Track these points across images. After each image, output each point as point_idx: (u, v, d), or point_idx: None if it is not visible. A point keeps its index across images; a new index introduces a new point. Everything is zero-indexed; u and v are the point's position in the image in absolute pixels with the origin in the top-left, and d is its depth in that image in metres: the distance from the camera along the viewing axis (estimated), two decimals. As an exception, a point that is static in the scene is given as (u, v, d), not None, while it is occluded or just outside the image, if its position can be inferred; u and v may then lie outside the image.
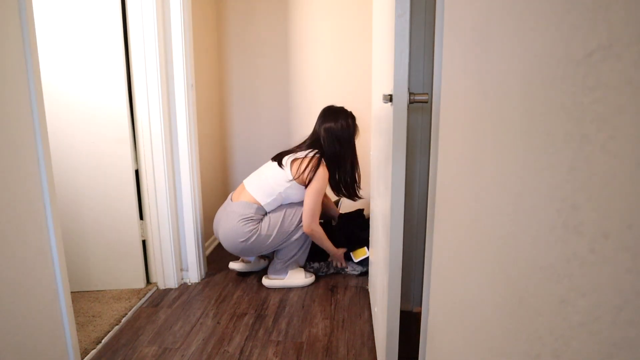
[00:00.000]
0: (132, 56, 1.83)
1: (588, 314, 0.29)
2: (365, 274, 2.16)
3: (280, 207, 1.97)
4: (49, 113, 1.64)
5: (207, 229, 2.42)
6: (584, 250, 0.30)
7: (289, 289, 2.02)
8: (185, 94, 1.93)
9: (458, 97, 0.62)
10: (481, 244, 0.51)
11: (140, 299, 1.90)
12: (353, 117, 2.03)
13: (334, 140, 1.97)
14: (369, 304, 1.88)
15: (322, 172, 1.93)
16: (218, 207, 2.70)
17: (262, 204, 1.93)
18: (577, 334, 0.31)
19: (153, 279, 2.06)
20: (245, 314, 1.80)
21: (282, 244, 1.96)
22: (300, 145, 2.05)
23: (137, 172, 1.93)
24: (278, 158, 2.01)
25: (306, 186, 1.94)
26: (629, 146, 0.25)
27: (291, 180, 1.93)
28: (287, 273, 2.04)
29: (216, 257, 2.40)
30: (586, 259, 0.30)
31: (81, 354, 1.46)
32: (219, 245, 2.61)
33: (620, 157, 0.26)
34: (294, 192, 1.95)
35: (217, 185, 2.69)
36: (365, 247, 2.14)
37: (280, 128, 2.70)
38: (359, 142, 2.60)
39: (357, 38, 2.52)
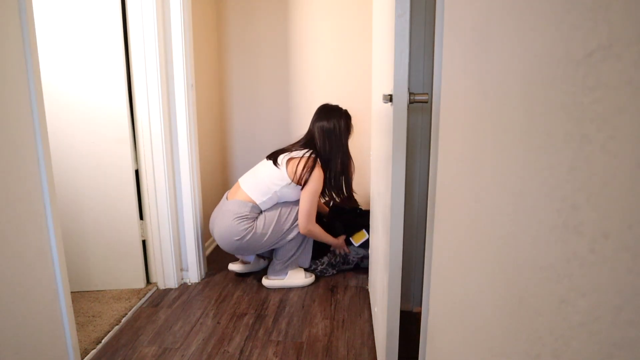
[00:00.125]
0: (132, 56, 1.83)
1: (588, 314, 0.29)
2: (366, 257, 2.17)
3: (275, 205, 1.97)
4: (49, 113, 1.64)
5: (207, 229, 2.42)
6: (584, 250, 0.30)
7: (289, 289, 2.02)
8: (185, 94, 1.93)
9: (458, 97, 0.62)
10: (481, 244, 0.51)
11: (140, 299, 1.90)
12: (347, 116, 2.02)
13: (325, 139, 1.97)
14: (369, 304, 1.88)
15: (318, 173, 1.93)
16: (218, 207, 2.70)
17: (258, 202, 1.93)
18: (577, 334, 0.31)
19: (153, 279, 2.06)
20: (245, 314, 1.80)
21: (277, 242, 1.96)
22: (295, 143, 2.05)
23: (137, 172, 1.93)
24: (273, 157, 2.01)
25: (302, 187, 1.94)
26: (629, 146, 0.25)
27: (286, 180, 1.93)
28: (286, 273, 2.03)
29: (216, 257, 2.40)
30: (586, 259, 0.30)
31: (81, 354, 1.46)
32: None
33: (620, 157, 0.26)
34: (290, 191, 1.95)
35: (217, 185, 2.69)
36: (364, 230, 2.16)
37: (280, 128, 2.70)
38: (358, 143, 2.59)
39: (357, 38, 2.52)
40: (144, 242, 2.00)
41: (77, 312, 1.78)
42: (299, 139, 2.08)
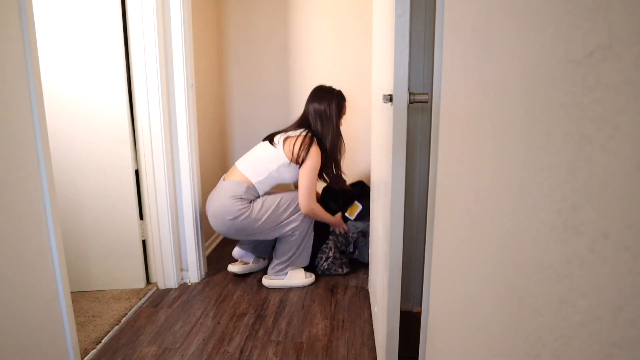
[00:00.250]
0: (132, 56, 1.83)
1: (588, 314, 0.29)
2: (366, 233, 2.16)
3: (276, 194, 1.96)
4: (49, 113, 1.64)
5: (207, 229, 2.42)
6: (584, 250, 0.30)
7: (289, 289, 2.02)
8: (185, 94, 1.93)
9: (458, 97, 0.62)
10: (481, 244, 0.51)
11: (140, 299, 1.90)
12: (340, 97, 2.02)
13: (318, 120, 1.98)
14: (369, 304, 1.88)
15: (315, 151, 1.93)
16: (218, 207, 2.70)
17: (254, 182, 1.92)
18: (577, 334, 0.31)
19: (153, 279, 2.06)
20: (245, 314, 1.80)
21: (271, 231, 1.94)
22: (291, 125, 2.06)
23: (137, 172, 1.93)
24: (270, 138, 2.01)
25: (299, 165, 1.93)
26: (629, 146, 0.25)
27: (283, 159, 1.92)
28: (286, 273, 2.03)
29: (216, 257, 2.40)
30: (586, 259, 0.30)
31: (81, 354, 1.46)
32: (219, 245, 2.61)
33: (620, 157, 0.26)
34: (287, 170, 1.94)
35: (217, 185, 2.69)
36: (355, 202, 2.17)
37: (280, 128, 2.70)
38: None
39: (357, 38, 2.52)
40: (144, 242, 2.00)
41: (77, 312, 1.78)
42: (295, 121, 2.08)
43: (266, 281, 2.04)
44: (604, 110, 0.28)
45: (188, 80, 1.94)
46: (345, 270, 2.16)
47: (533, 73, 0.37)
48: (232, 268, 2.14)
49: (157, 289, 2.03)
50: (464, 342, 0.58)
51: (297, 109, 2.67)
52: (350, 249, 2.23)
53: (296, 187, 2.11)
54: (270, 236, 1.98)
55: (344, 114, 2.06)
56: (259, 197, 1.95)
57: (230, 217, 1.87)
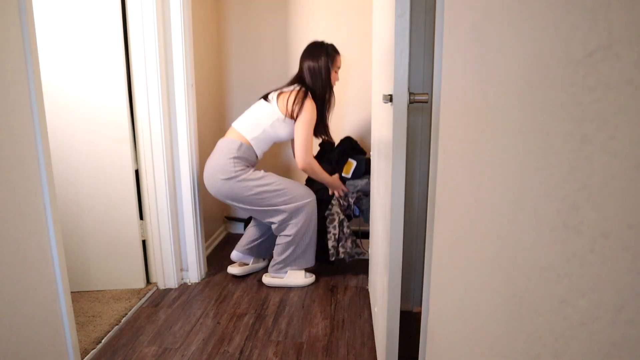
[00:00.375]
0: (132, 56, 1.83)
1: (588, 314, 0.29)
2: (367, 193, 2.11)
3: (280, 177, 1.94)
4: (49, 113, 1.64)
5: (207, 229, 2.42)
6: (584, 250, 0.30)
7: (289, 289, 2.02)
8: (185, 94, 1.93)
9: (458, 97, 0.62)
10: (481, 244, 0.51)
11: (140, 299, 1.90)
12: (333, 50, 2.00)
13: (311, 76, 1.97)
14: (369, 304, 1.88)
15: (310, 104, 1.91)
16: (218, 207, 2.70)
17: (249, 139, 1.91)
18: (577, 334, 0.31)
19: (153, 279, 2.06)
20: (245, 314, 1.80)
21: (258, 210, 1.93)
22: (286, 83, 2.05)
23: (137, 172, 1.93)
24: (265, 96, 2.01)
25: (295, 121, 1.92)
26: (629, 146, 0.25)
27: (277, 114, 1.91)
28: (286, 272, 2.03)
29: (216, 257, 2.40)
30: (586, 259, 0.30)
31: (81, 354, 1.46)
32: (219, 245, 2.61)
33: (620, 157, 0.26)
34: (282, 126, 1.93)
35: (217, 185, 2.68)
36: (349, 159, 2.13)
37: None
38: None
39: (357, 38, 2.52)
40: (144, 242, 2.00)
41: (77, 312, 1.78)
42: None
43: (266, 279, 2.04)
44: (604, 110, 0.28)
45: (188, 80, 1.94)
46: (362, 252, 2.10)
47: (533, 73, 0.37)
48: (232, 270, 2.14)
49: (157, 289, 2.03)
50: (464, 342, 0.58)
51: (297, 109, 2.67)
52: (355, 211, 2.15)
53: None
54: (258, 216, 1.96)
55: (338, 67, 2.03)
56: (256, 158, 1.94)
57: (223, 177, 1.86)
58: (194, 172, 2.03)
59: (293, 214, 1.94)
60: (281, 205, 1.93)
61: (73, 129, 1.81)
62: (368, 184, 2.09)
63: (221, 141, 1.95)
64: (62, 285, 1.17)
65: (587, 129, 0.29)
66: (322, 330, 1.68)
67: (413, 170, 1.63)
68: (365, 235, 2.32)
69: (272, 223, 1.97)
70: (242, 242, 2.13)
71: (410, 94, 0.99)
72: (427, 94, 1.02)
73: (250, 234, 2.14)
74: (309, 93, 1.94)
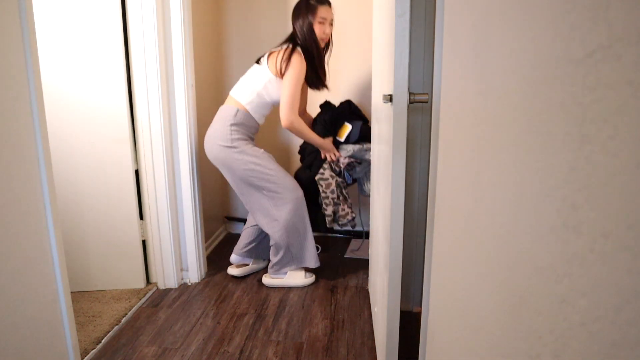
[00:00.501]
0: (132, 56, 1.83)
1: (588, 314, 0.29)
2: (360, 159, 2.05)
3: (278, 166, 1.93)
4: (49, 113, 1.64)
5: (207, 229, 2.42)
6: (584, 250, 0.30)
7: (289, 289, 2.02)
8: (185, 94, 1.93)
9: (458, 97, 0.62)
10: (481, 244, 0.51)
11: (140, 299, 1.90)
12: (310, 1, 1.91)
13: (298, 33, 1.92)
14: (369, 304, 1.88)
15: (297, 58, 1.86)
16: (218, 207, 2.70)
17: (244, 104, 1.91)
18: (577, 334, 0.31)
19: (153, 279, 2.06)
20: (245, 314, 1.80)
21: (245, 188, 1.93)
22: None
23: (137, 172, 1.93)
24: (258, 60, 1.99)
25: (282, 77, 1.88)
26: (629, 146, 0.25)
27: (268, 74, 1.89)
28: (285, 272, 2.03)
29: (216, 257, 2.40)
30: (586, 259, 0.30)
31: (81, 354, 1.46)
32: (219, 245, 2.61)
33: (620, 157, 0.26)
34: (274, 87, 1.91)
35: (217, 186, 2.68)
36: (345, 122, 2.05)
37: (280, 128, 2.70)
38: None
39: (357, 38, 2.52)
40: (144, 242, 2.00)
41: (77, 312, 1.78)
42: None
43: (266, 280, 2.04)
44: (604, 110, 0.28)
45: (188, 80, 1.94)
46: (353, 216, 2.04)
47: (533, 73, 0.37)
48: (232, 271, 2.14)
49: (157, 289, 2.03)
50: (464, 342, 0.58)
51: (297, 109, 2.67)
52: (347, 179, 2.08)
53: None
54: (242, 196, 1.96)
55: (323, 18, 1.91)
56: (257, 124, 1.95)
57: (222, 144, 1.87)
58: (194, 172, 2.03)
59: (275, 209, 1.93)
60: (263, 190, 1.92)
61: (73, 129, 1.81)
62: (362, 150, 2.02)
63: (219, 110, 1.96)
64: (62, 285, 1.17)
65: (587, 129, 0.29)
66: (322, 330, 1.68)
67: (413, 170, 1.63)
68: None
69: (255, 210, 1.96)
70: (240, 245, 2.13)
71: (410, 94, 0.99)
72: (427, 94, 1.02)
73: (246, 235, 2.13)
74: (298, 49, 1.90)
